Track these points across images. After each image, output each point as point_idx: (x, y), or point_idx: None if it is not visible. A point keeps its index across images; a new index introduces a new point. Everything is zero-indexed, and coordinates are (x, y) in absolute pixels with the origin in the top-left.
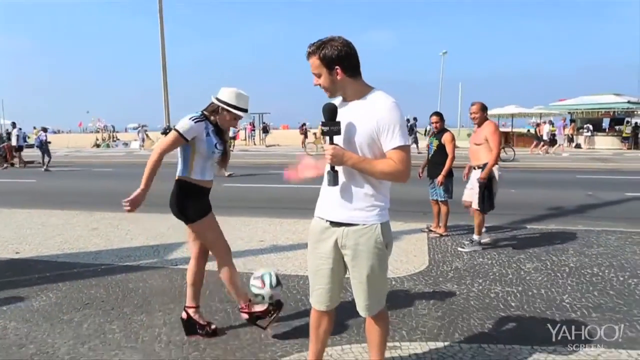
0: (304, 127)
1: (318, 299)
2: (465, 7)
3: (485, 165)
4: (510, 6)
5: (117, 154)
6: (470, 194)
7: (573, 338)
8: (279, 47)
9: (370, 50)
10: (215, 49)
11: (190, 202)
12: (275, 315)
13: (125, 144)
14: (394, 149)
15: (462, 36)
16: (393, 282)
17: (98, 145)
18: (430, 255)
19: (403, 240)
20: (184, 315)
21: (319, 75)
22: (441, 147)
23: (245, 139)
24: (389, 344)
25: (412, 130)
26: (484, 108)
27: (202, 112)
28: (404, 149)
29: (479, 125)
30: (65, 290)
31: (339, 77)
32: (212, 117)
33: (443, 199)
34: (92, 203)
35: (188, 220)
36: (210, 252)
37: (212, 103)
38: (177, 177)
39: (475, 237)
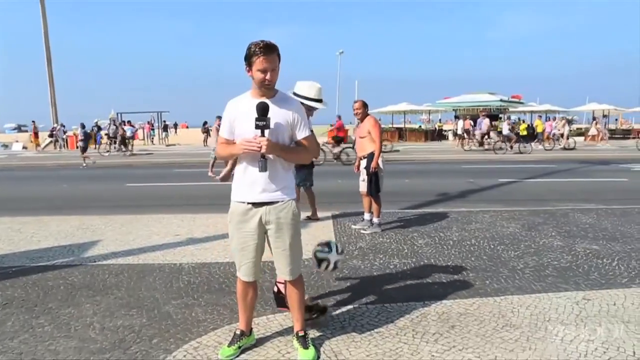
0: (206, 126)
1: (246, 272)
2: (358, 10)
3: (370, 154)
4: (406, 11)
5: None
6: (364, 185)
7: (455, 292)
8: (182, 45)
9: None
10: (111, 41)
11: None
12: (316, 317)
13: (5, 146)
14: (306, 137)
15: (357, 38)
16: (306, 262)
17: None
18: (337, 238)
19: (312, 227)
20: (275, 288)
21: (273, 70)
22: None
23: (143, 139)
24: None
25: None
26: (365, 105)
27: None
28: (312, 136)
29: (362, 120)
30: None
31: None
32: None
33: (301, 185)
34: None
35: None
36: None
37: None
38: None
39: (375, 220)
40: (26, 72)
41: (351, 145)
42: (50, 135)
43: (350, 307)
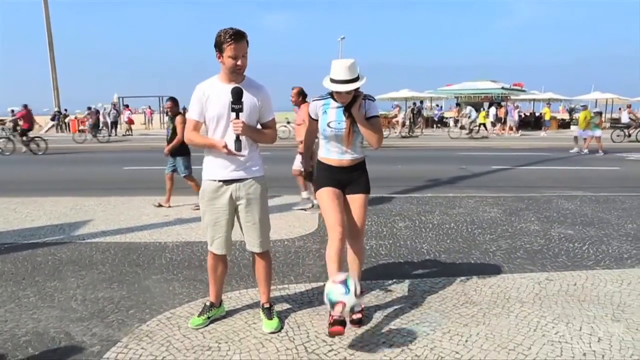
0: None
1: (218, 246)
2: None
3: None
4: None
5: None
6: (297, 163)
7: (423, 272)
8: (173, 31)
9: (268, 34)
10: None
11: (317, 175)
12: None
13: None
14: (270, 120)
15: (358, 24)
16: (286, 242)
17: None
18: (321, 220)
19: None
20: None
21: (243, 56)
22: (175, 129)
23: (144, 123)
24: (280, 286)
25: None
26: (301, 92)
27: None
28: (274, 119)
29: (298, 106)
30: None
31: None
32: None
33: (185, 174)
34: None
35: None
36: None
37: None
38: None
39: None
40: (31, 57)
41: None
42: (52, 119)
43: (320, 283)
